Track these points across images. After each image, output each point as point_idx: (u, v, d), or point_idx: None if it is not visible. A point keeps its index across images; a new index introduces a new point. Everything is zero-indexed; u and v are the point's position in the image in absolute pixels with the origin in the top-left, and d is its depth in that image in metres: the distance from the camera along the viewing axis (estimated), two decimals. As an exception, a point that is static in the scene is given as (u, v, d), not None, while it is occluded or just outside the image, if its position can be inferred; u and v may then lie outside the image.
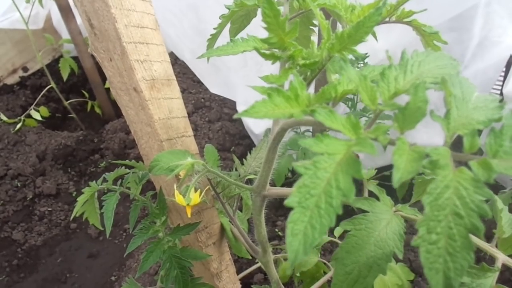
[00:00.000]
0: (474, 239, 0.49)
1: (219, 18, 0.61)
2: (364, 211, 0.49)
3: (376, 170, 0.79)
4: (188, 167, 0.55)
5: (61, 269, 1.59)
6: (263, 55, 0.46)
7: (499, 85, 1.82)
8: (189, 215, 0.58)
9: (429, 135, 1.77)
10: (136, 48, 0.54)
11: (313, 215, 0.31)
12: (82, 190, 0.74)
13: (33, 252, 1.65)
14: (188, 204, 0.55)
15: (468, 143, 0.33)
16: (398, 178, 0.30)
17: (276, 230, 1.52)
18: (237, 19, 0.65)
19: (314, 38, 0.77)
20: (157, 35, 0.58)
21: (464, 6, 1.48)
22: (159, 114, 0.60)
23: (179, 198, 0.56)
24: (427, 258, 0.30)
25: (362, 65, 1.58)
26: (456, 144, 0.40)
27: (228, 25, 0.66)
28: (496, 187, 1.67)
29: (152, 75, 0.58)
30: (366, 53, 1.58)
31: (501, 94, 1.82)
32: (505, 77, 1.71)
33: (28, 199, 1.79)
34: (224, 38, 0.68)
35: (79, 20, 1.92)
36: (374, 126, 0.36)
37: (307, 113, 0.38)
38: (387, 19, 0.57)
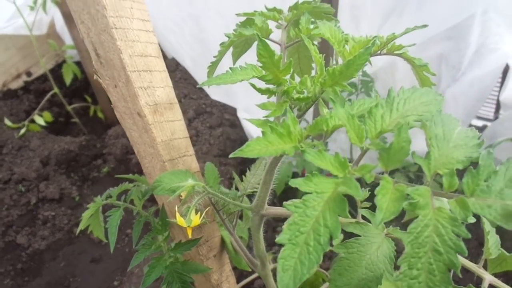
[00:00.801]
0: (462, 260, 0.52)
1: (219, 46, 0.64)
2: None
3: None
4: (189, 189, 0.58)
5: (64, 273, 1.62)
6: (259, 91, 0.49)
7: (496, 91, 1.85)
8: (189, 236, 0.61)
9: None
10: (140, 76, 0.57)
11: (302, 252, 0.34)
12: (87, 206, 0.77)
13: (37, 256, 1.68)
14: (189, 226, 0.58)
15: (447, 183, 0.36)
16: (380, 219, 0.33)
17: (277, 236, 1.55)
18: (239, 43, 0.67)
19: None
20: (160, 62, 0.61)
21: (462, 16, 1.50)
22: (161, 137, 0.62)
23: (180, 220, 0.58)
24: None
25: (360, 73, 1.61)
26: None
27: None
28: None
29: (155, 100, 0.60)
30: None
31: (498, 101, 1.84)
32: (501, 84, 1.73)
33: (32, 203, 1.82)
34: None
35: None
36: (361, 164, 0.38)
37: (298, 149, 0.41)
38: (378, 52, 0.59)
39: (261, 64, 0.47)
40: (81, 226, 0.77)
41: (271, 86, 0.49)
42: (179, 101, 2.10)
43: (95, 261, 1.67)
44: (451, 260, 0.33)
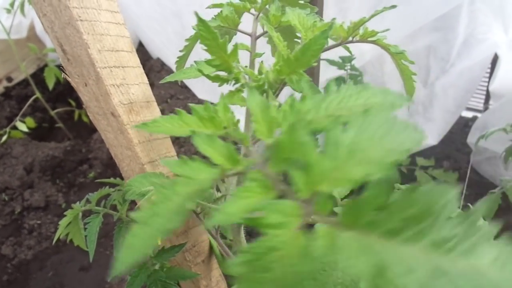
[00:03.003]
0: None
1: (185, 41, 0.60)
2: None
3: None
4: None
5: (52, 283, 1.57)
6: (209, 77, 0.46)
7: (485, 82, 1.84)
8: (159, 242, 0.57)
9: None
10: (111, 72, 0.53)
11: (148, 233, 0.30)
12: (65, 213, 0.73)
13: (23, 267, 1.62)
14: None
15: (319, 205, 0.27)
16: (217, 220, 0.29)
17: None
18: (216, 36, 0.63)
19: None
20: (133, 58, 0.57)
21: (449, 6, 1.48)
22: (139, 137, 0.59)
23: None
24: None
25: (349, 67, 1.58)
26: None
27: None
28: (486, 186, 1.68)
29: (130, 98, 0.56)
30: (353, 55, 1.58)
31: (487, 91, 1.83)
32: (490, 74, 1.72)
33: (16, 212, 1.76)
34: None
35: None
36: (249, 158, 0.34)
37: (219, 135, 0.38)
38: (350, 39, 0.56)
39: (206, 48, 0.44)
40: (58, 235, 0.72)
41: (221, 73, 0.46)
42: (165, 102, 2.06)
43: (84, 270, 1.62)
44: None
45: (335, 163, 0.28)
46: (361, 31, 0.54)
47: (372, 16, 0.54)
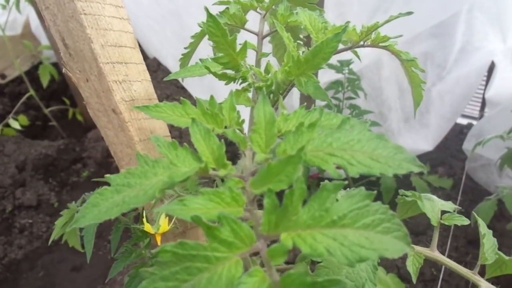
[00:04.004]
0: (456, 266, 0.48)
1: (190, 38, 0.59)
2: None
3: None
4: None
5: (43, 284, 1.55)
6: (216, 75, 0.45)
7: (480, 90, 1.85)
8: (159, 243, 0.56)
9: (414, 140, 1.79)
10: (114, 68, 0.52)
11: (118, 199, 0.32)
12: (61, 213, 0.71)
13: (14, 267, 1.60)
14: (156, 232, 0.53)
15: (272, 251, 0.28)
16: None
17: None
18: (219, 35, 0.63)
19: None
20: (136, 54, 0.56)
21: (447, 13, 1.49)
22: (140, 136, 0.57)
23: (147, 226, 0.53)
24: None
25: (347, 71, 1.58)
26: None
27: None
28: (480, 193, 1.69)
29: (132, 95, 0.55)
30: (350, 59, 1.58)
31: (483, 99, 1.84)
32: (487, 82, 1.73)
33: (7, 211, 1.73)
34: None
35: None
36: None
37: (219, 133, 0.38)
38: (361, 43, 0.55)
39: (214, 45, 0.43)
40: (54, 236, 0.71)
41: (229, 71, 0.45)
42: (162, 102, 2.04)
43: (76, 270, 1.60)
44: None
45: (310, 223, 0.27)
46: (373, 35, 0.54)
47: (387, 21, 0.54)
